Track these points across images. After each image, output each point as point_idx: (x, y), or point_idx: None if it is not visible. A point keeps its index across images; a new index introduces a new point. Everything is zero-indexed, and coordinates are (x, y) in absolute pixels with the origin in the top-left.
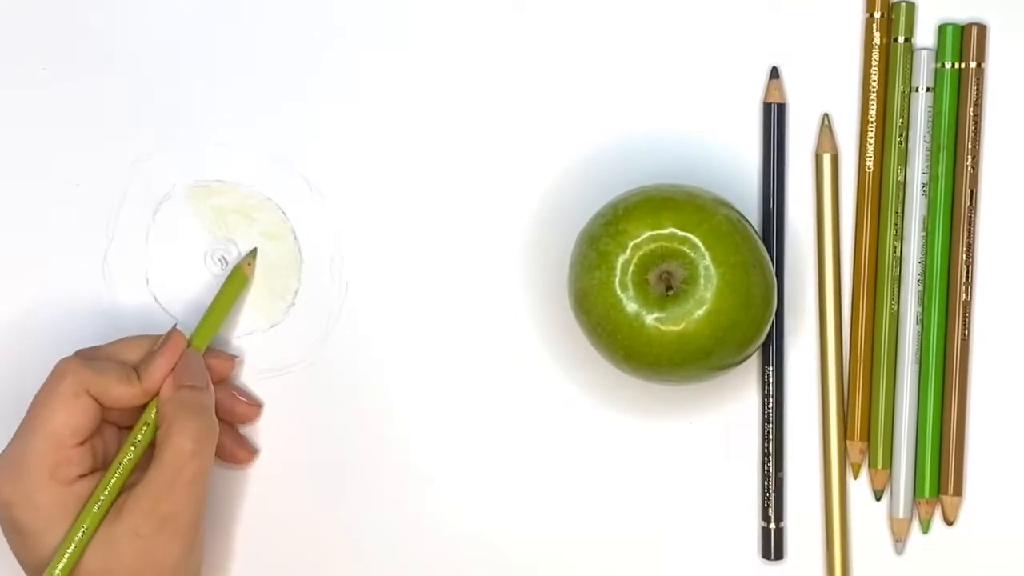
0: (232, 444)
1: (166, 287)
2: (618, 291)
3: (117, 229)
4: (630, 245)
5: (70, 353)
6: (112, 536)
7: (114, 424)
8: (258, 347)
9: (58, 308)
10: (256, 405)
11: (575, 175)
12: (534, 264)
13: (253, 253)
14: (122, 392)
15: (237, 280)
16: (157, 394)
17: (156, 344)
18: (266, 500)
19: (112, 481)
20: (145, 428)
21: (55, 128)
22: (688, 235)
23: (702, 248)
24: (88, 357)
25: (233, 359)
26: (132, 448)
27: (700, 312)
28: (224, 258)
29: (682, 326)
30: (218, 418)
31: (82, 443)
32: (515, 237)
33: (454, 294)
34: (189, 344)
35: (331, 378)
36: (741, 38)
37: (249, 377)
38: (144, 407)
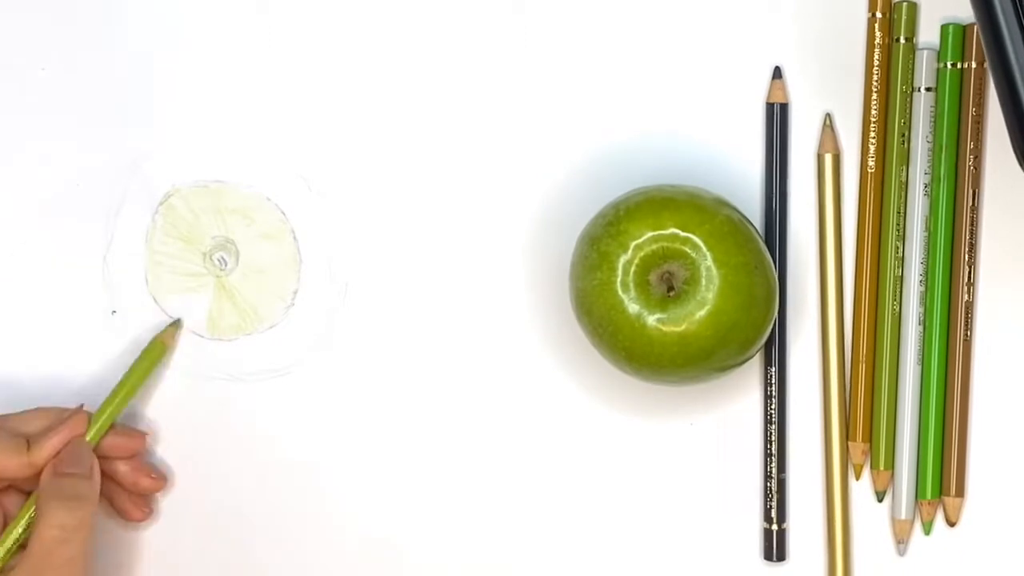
0: (128, 503)
1: (166, 288)
2: (619, 292)
3: (117, 229)
4: (632, 245)
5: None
6: None
7: (18, 489)
8: (257, 347)
9: (58, 308)
10: (161, 479)
11: (576, 175)
12: (535, 264)
13: (176, 324)
14: (9, 463)
15: (155, 351)
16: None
17: (60, 417)
18: (268, 499)
19: None
20: (22, 526)
21: (55, 128)
22: (690, 235)
23: (704, 249)
24: None
25: (143, 436)
26: (16, 532)
27: (702, 313)
28: (224, 258)
29: (684, 327)
30: (121, 486)
31: None
32: (516, 237)
33: (454, 295)
34: (94, 421)
35: (330, 379)
36: (743, 38)
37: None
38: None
